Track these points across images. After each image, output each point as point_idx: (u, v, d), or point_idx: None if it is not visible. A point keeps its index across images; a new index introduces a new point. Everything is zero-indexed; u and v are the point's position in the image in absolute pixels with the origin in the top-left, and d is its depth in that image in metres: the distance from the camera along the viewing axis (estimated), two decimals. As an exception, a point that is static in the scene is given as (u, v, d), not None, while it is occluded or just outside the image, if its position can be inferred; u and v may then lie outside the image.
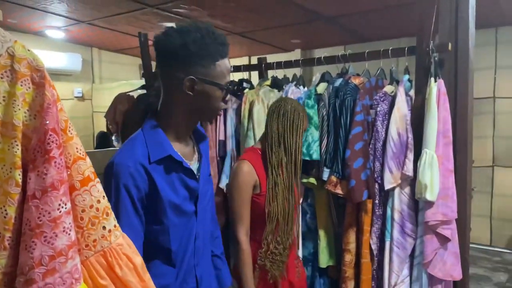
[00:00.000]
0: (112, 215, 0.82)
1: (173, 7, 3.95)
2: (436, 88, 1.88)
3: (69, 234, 0.71)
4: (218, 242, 1.54)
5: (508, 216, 4.60)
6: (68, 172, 0.74)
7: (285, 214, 1.72)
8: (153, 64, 3.12)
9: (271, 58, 2.81)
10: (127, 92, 3.13)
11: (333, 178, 2.01)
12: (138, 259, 0.84)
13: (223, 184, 2.37)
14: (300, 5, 3.77)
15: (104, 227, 0.79)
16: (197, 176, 1.29)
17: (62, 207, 0.70)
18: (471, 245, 4.59)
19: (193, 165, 1.30)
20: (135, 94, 3.07)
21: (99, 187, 0.80)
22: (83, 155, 0.78)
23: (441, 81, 1.91)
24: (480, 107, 4.66)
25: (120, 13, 4.15)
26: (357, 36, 5.06)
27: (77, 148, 0.77)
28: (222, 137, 2.44)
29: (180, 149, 1.25)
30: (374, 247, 2.08)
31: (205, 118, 1.36)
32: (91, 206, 0.78)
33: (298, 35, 5.05)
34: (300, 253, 2.15)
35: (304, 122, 1.80)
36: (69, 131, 0.76)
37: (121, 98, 3.06)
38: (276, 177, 1.72)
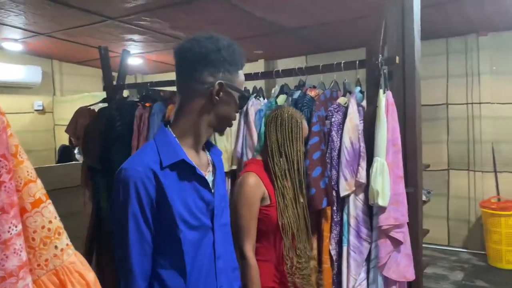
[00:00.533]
0: (65, 234, 0.85)
1: (135, 19, 3.96)
2: (384, 99, 1.99)
3: (19, 255, 0.73)
4: (237, 275, 1.43)
5: (463, 216, 4.83)
6: (19, 195, 0.77)
7: (298, 225, 1.69)
8: (115, 76, 3.14)
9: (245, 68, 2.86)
10: (88, 105, 3.11)
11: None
12: (91, 276, 0.87)
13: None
14: (261, 17, 3.87)
15: (56, 247, 0.82)
16: (212, 190, 1.25)
17: (13, 229, 0.72)
18: (430, 246, 4.83)
19: (208, 177, 1.26)
20: (96, 108, 3.05)
21: (51, 208, 0.83)
22: (33, 178, 0.81)
23: (389, 93, 2.02)
24: (435, 113, 4.90)
25: (80, 26, 4.12)
26: (317, 46, 5.21)
27: (27, 172, 0.79)
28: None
29: (194, 159, 1.22)
30: (333, 252, 2.15)
31: (220, 128, 1.30)
32: (43, 227, 0.80)
33: (260, 46, 5.15)
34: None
35: (303, 128, 1.78)
36: (19, 155, 0.78)
37: (82, 112, 3.04)
38: (283, 189, 1.68)
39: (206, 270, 1.21)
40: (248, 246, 1.61)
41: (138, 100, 2.89)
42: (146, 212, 1.12)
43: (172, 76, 2.97)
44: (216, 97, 1.18)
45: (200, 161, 1.26)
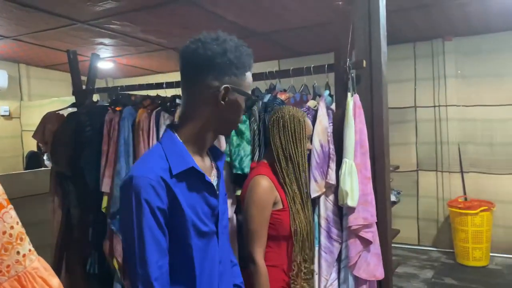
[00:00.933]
0: (27, 239, 0.84)
1: (105, 23, 3.90)
2: (352, 102, 2.04)
3: (-21, 261, 0.72)
4: (237, 270, 1.42)
5: (432, 216, 4.97)
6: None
7: (308, 230, 1.67)
8: (84, 80, 3.09)
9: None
10: (57, 110, 3.05)
11: None
12: (55, 281, 0.86)
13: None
14: (233, 22, 3.89)
15: (18, 252, 0.80)
16: (217, 194, 1.23)
17: (-29, 235, 0.71)
18: (401, 246, 4.94)
19: (213, 182, 1.24)
20: (65, 113, 2.99)
21: (12, 213, 0.81)
22: (-6, 184, 0.79)
23: (356, 96, 2.06)
24: (404, 116, 5.03)
25: (48, 29, 4.03)
26: (290, 51, 5.27)
27: (-12, 177, 0.78)
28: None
29: (200, 164, 1.19)
30: (304, 253, 2.17)
31: (225, 131, 1.30)
32: (4, 233, 0.79)
33: (233, 50, 5.15)
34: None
35: (306, 127, 1.74)
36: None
37: (50, 117, 2.97)
38: (293, 194, 1.66)
39: (211, 274, 1.19)
40: (259, 252, 1.57)
41: (108, 104, 2.86)
42: (160, 221, 1.07)
43: (142, 80, 2.95)
44: (222, 102, 1.14)
45: (205, 165, 1.24)
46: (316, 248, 2.12)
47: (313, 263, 1.70)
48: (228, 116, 1.19)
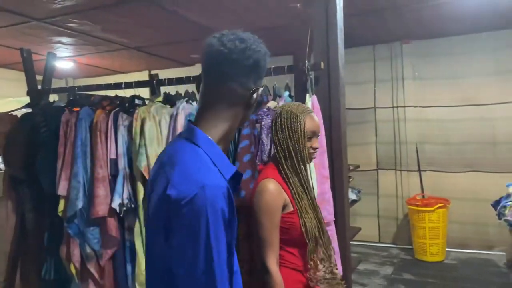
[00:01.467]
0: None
1: (63, 21, 3.80)
2: (310, 103, 2.07)
3: None
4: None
5: (392, 214, 5.12)
6: None
7: (319, 227, 1.62)
8: (40, 80, 2.98)
9: (171, 72, 2.84)
10: (9, 111, 2.93)
11: None
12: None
13: (115, 204, 2.33)
14: (195, 22, 3.87)
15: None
16: None
17: None
18: (362, 243, 5.05)
19: None
20: (19, 113, 2.89)
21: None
22: None
23: (314, 97, 2.10)
24: (364, 116, 5.16)
25: (1, 26, 3.88)
26: (253, 51, 5.29)
27: None
28: (113, 155, 2.39)
29: None
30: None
31: (234, 135, 1.26)
32: None
33: (196, 50, 5.13)
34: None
35: (306, 121, 1.65)
36: None
37: (2, 118, 2.86)
38: (299, 193, 1.62)
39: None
40: (272, 260, 1.51)
41: (64, 105, 2.78)
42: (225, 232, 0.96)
43: (105, 80, 2.89)
44: (252, 103, 1.11)
45: None
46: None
47: (332, 262, 1.63)
48: (243, 120, 1.14)
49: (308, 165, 1.72)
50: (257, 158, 2.18)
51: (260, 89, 1.12)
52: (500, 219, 2.81)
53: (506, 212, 2.70)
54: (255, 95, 1.10)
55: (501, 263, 4.34)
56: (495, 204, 3.04)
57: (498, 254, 4.52)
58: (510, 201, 2.70)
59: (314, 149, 1.69)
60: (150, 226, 1.07)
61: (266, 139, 2.18)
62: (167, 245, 0.96)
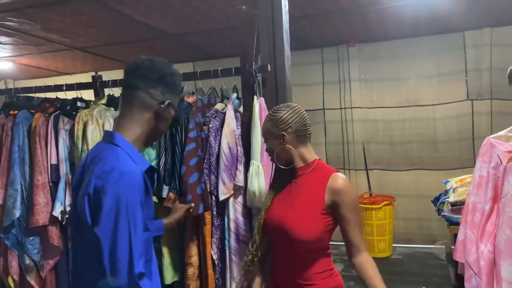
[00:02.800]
0: None
1: (-1, 19, 3.58)
2: (258, 105, 2.09)
3: None
4: None
5: (342, 212, 5.24)
6: None
7: None
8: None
9: (119, 74, 2.75)
10: None
11: (171, 195, 2.07)
12: None
13: (57, 212, 2.22)
14: (141, 22, 3.77)
15: None
16: None
17: None
18: (314, 242, 5.12)
19: None
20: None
21: None
22: None
23: (261, 99, 2.12)
24: (314, 117, 5.25)
25: None
26: (204, 53, 5.25)
27: None
28: (54, 161, 2.29)
29: None
30: (215, 257, 2.18)
31: (151, 141, 1.44)
32: None
33: (144, 51, 5.01)
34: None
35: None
36: None
37: None
38: None
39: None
40: None
41: None
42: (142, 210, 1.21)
43: (48, 81, 2.75)
44: (162, 114, 1.35)
45: None
46: (227, 251, 2.14)
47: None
48: (160, 127, 1.40)
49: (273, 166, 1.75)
50: (205, 161, 2.17)
51: (169, 102, 1.35)
52: (439, 214, 2.96)
53: (444, 207, 2.85)
54: (163, 106, 1.34)
55: (442, 256, 4.57)
56: (435, 201, 3.19)
57: (440, 248, 4.76)
58: (447, 198, 2.85)
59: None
60: (75, 221, 1.29)
61: (213, 142, 2.17)
62: (93, 230, 1.15)
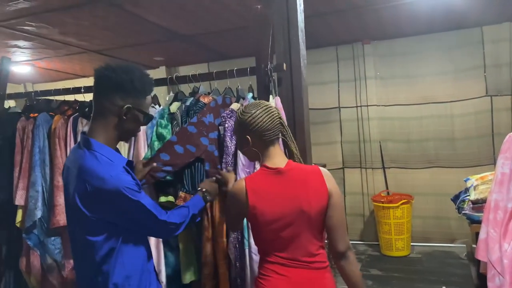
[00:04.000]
0: None
1: (18, 24, 3.65)
2: (274, 104, 2.08)
3: None
4: None
5: (359, 211, 5.22)
6: None
7: None
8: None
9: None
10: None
11: (182, 194, 2.07)
12: None
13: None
14: (155, 23, 3.81)
15: None
16: None
17: None
18: (331, 241, 5.09)
19: None
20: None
21: None
22: None
23: (277, 98, 2.11)
24: (329, 116, 5.23)
25: (-49, 30, 3.69)
26: (218, 54, 5.27)
27: None
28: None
29: None
30: (232, 256, 2.17)
31: (124, 139, 1.62)
32: None
33: (159, 53, 5.06)
34: (163, 272, 2.16)
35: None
36: None
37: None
38: None
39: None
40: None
41: (21, 111, 2.67)
42: None
43: (66, 84, 2.77)
44: (124, 117, 1.49)
45: None
46: (246, 250, 2.12)
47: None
48: (128, 127, 1.54)
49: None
50: (223, 160, 2.16)
51: (128, 106, 1.47)
52: (459, 213, 2.92)
53: (465, 206, 2.81)
54: (124, 110, 1.47)
55: (462, 255, 4.50)
56: (455, 199, 3.14)
57: (459, 247, 4.69)
58: (468, 195, 2.81)
59: None
60: (71, 214, 1.52)
61: (229, 142, 2.17)
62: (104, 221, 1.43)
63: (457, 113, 4.74)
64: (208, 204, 2.06)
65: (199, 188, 1.88)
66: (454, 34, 4.66)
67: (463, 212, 2.76)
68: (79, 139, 2.33)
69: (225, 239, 2.14)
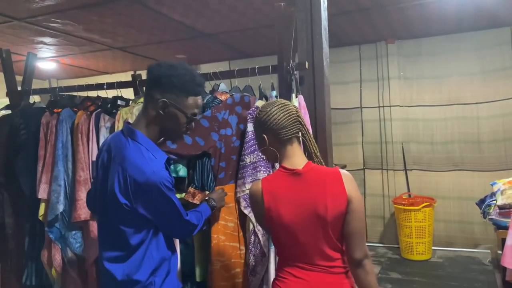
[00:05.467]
0: None
1: (44, 21, 3.72)
2: (297, 103, 2.06)
3: None
4: None
5: (379, 213, 5.13)
6: None
7: None
8: (19, 81, 2.91)
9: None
10: (-12, 113, 2.86)
11: (191, 189, 2.07)
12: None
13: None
14: (178, 21, 3.82)
15: None
16: None
17: None
18: (350, 243, 5.02)
19: None
20: (-2, 115, 2.82)
21: None
22: None
23: (300, 96, 2.09)
24: (350, 116, 5.16)
25: (-20, 26, 3.79)
26: (240, 52, 5.26)
27: None
28: (95, 158, 2.35)
29: None
30: (251, 257, 2.16)
31: (168, 137, 1.66)
32: None
33: (181, 50, 5.09)
34: (179, 269, 2.16)
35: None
36: None
37: (-19, 120, 2.79)
38: None
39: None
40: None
41: (45, 106, 2.72)
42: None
43: (89, 81, 2.82)
44: (161, 112, 1.52)
45: None
46: (272, 249, 2.10)
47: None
48: (167, 125, 1.56)
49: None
50: (258, 157, 2.13)
51: (163, 100, 1.50)
52: (485, 217, 2.83)
53: (491, 211, 2.72)
54: (160, 104, 1.51)
55: (486, 261, 4.37)
56: (480, 203, 3.05)
57: (483, 252, 4.57)
58: (494, 200, 2.72)
59: None
60: (106, 200, 1.52)
61: (253, 137, 2.15)
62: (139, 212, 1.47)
63: (484, 115, 4.61)
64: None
65: (206, 198, 1.92)
66: (483, 34, 4.53)
67: (489, 217, 2.67)
68: (101, 134, 2.38)
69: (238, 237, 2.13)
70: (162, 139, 1.64)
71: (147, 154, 1.48)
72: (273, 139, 1.56)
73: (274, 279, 1.65)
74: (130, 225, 1.49)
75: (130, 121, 2.29)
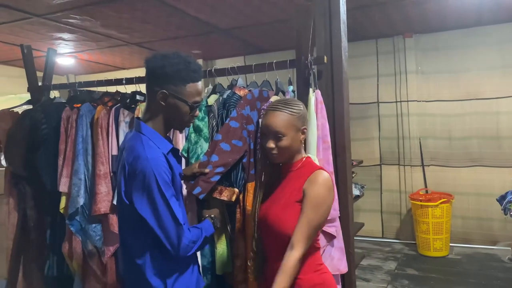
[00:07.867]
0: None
1: (63, 17, 3.76)
2: (314, 98, 2.04)
3: None
4: None
5: (395, 209, 5.09)
6: None
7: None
8: (41, 77, 2.96)
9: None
10: (10, 108, 2.91)
11: (218, 186, 2.07)
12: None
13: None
14: (195, 17, 3.83)
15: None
16: None
17: None
18: (365, 239, 5.04)
19: None
20: (20, 110, 2.87)
21: None
22: None
23: (318, 91, 2.07)
24: (367, 111, 5.12)
25: (1, 23, 3.85)
26: (255, 47, 5.26)
27: None
28: (115, 152, 2.37)
29: None
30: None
31: (175, 127, 1.66)
32: None
33: (197, 46, 5.10)
34: (199, 263, 2.18)
35: (263, 117, 1.65)
36: None
37: (4, 115, 2.84)
38: None
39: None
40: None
41: (65, 101, 2.76)
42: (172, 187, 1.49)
43: (106, 76, 2.85)
44: (162, 103, 1.50)
45: None
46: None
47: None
48: (172, 114, 1.55)
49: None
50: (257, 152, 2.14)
51: (163, 91, 1.48)
52: (506, 214, 2.78)
53: (512, 207, 2.68)
54: (160, 95, 1.49)
55: (505, 258, 4.31)
56: (501, 199, 3.00)
57: (502, 249, 4.50)
58: (516, 196, 2.67)
59: (270, 149, 1.58)
60: (118, 197, 1.52)
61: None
62: (135, 209, 1.43)
63: (504, 110, 4.53)
64: (241, 195, 2.05)
65: (206, 215, 1.79)
66: (503, 27, 4.44)
67: (511, 213, 2.63)
68: (120, 129, 2.40)
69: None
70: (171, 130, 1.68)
71: (147, 142, 1.47)
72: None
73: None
74: (133, 227, 1.49)
75: (149, 115, 2.32)
